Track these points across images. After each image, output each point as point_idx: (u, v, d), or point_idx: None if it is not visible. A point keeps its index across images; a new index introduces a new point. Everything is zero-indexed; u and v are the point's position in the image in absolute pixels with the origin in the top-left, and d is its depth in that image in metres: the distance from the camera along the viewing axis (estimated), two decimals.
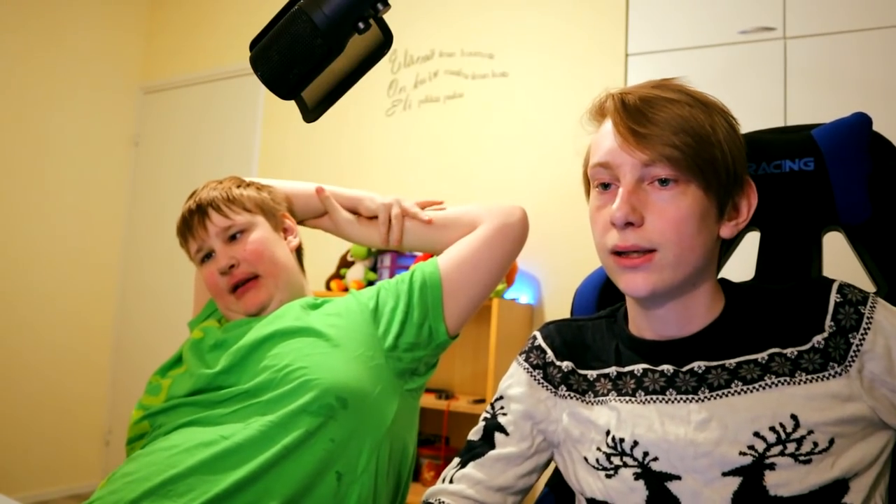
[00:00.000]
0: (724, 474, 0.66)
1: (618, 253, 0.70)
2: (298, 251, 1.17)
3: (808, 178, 0.84)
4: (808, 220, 0.85)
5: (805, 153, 0.84)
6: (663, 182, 0.68)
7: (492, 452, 0.81)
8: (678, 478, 0.68)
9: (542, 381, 0.83)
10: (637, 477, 0.70)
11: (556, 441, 0.82)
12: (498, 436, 0.82)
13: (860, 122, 0.84)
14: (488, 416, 0.85)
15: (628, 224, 0.68)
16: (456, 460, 0.84)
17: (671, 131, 0.68)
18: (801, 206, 0.84)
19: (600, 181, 0.72)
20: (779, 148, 0.86)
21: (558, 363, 0.83)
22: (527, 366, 0.85)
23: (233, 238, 1.06)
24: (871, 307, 0.68)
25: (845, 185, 0.82)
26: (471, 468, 0.80)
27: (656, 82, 0.74)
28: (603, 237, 0.72)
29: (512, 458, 0.81)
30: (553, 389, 0.82)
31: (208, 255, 1.07)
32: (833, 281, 0.72)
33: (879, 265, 0.82)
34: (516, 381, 0.85)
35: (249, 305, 1.04)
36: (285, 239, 1.12)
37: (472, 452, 0.82)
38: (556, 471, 0.89)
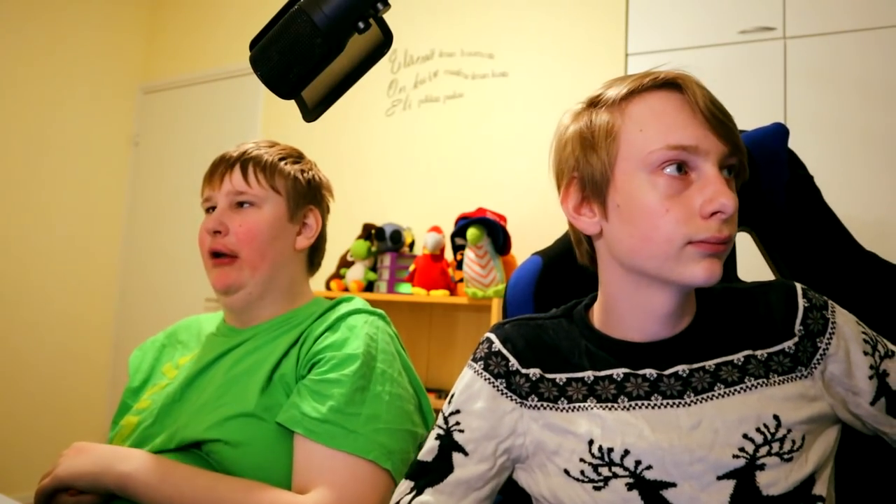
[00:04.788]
0: (719, 478, 0.66)
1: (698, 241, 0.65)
2: (312, 252, 1.08)
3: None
4: None
5: None
6: (730, 172, 0.69)
7: (450, 477, 0.73)
8: (673, 485, 0.67)
9: (505, 391, 0.75)
10: (630, 487, 0.68)
11: (524, 455, 0.75)
12: (456, 456, 0.74)
13: (782, 132, 0.90)
14: (441, 433, 0.76)
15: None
16: (407, 484, 0.75)
17: (734, 128, 0.68)
18: None
19: (673, 171, 0.66)
20: None
21: (524, 371, 0.76)
22: (487, 375, 0.76)
23: (240, 205, 1.00)
24: (832, 312, 0.72)
25: (772, 191, 0.88)
26: (428, 496, 0.72)
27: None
28: (684, 228, 0.65)
29: (472, 482, 0.73)
30: (519, 400, 0.75)
31: (213, 209, 1.02)
32: (794, 284, 0.74)
33: (789, 263, 0.88)
34: (476, 394, 0.76)
35: (216, 281, 0.99)
36: (298, 234, 1.04)
37: (427, 477, 0.74)
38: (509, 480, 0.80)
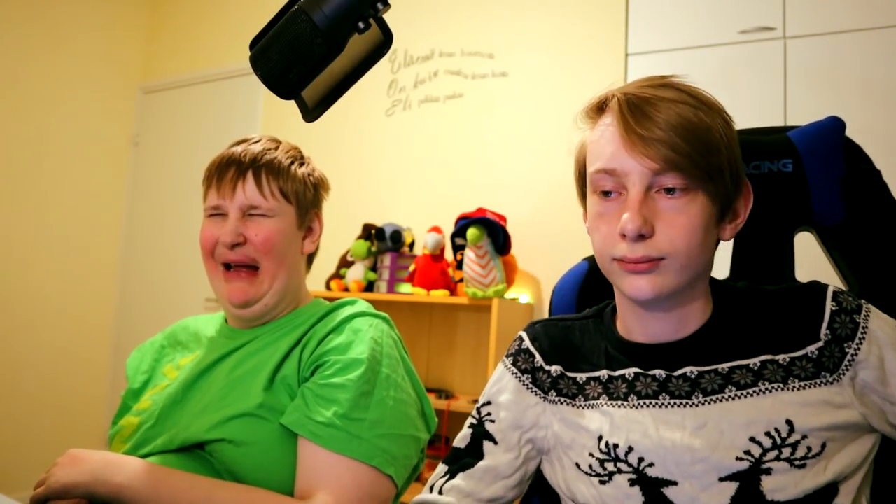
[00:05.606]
0: (721, 479, 0.66)
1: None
2: (310, 255, 1.09)
3: (786, 179, 0.85)
4: (783, 220, 0.86)
5: (783, 155, 0.86)
6: (671, 191, 0.67)
7: (481, 463, 0.78)
8: (674, 483, 0.67)
9: (530, 386, 0.81)
10: (632, 483, 0.69)
11: (546, 448, 0.80)
12: (486, 444, 0.80)
13: (836, 126, 0.86)
14: (475, 422, 0.82)
15: (640, 236, 0.66)
16: (442, 468, 0.81)
17: (680, 137, 0.66)
18: (778, 206, 0.86)
19: (603, 189, 0.70)
20: (757, 149, 0.87)
21: (547, 367, 0.81)
22: (515, 370, 0.83)
23: (251, 215, 0.98)
24: (865, 316, 0.69)
25: (822, 187, 0.84)
26: (460, 479, 0.78)
27: (658, 80, 0.72)
28: (607, 246, 0.70)
29: (500, 469, 0.78)
30: (542, 395, 0.80)
31: (219, 214, 0.99)
32: (826, 287, 0.71)
33: (851, 265, 0.83)
34: (504, 387, 0.82)
35: (234, 296, 0.97)
36: (304, 239, 1.05)
37: (460, 462, 0.80)
38: (539, 475, 0.85)
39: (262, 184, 0.98)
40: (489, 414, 0.81)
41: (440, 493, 0.78)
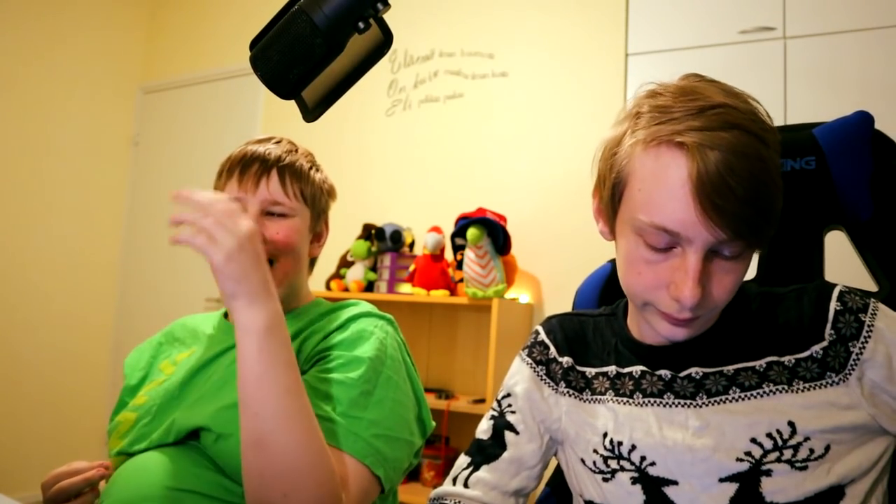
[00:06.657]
0: (721, 480, 0.66)
1: None
2: (312, 259, 1.10)
3: (809, 176, 0.83)
4: (809, 218, 0.84)
5: (806, 152, 0.84)
6: (729, 255, 0.64)
7: (505, 454, 0.79)
8: (675, 483, 0.68)
9: (544, 377, 0.82)
10: (634, 481, 0.70)
11: (560, 438, 0.81)
12: (508, 435, 0.80)
13: (862, 121, 0.83)
14: (496, 413, 0.83)
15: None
16: (465, 460, 0.81)
17: (755, 210, 0.61)
18: (803, 205, 0.84)
19: (655, 245, 0.64)
20: (781, 147, 0.85)
21: (560, 359, 0.82)
22: (530, 361, 0.84)
23: (270, 214, 0.98)
24: (871, 315, 0.67)
25: (847, 184, 0.82)
26: (485, 472, 0.79)
27: (721, 115, 0.63)
28: (647, 292, 0.67)
29: (525, 459, 0.79)
30: (554, 386, 0.81)
31: None
32: (834, 286, 0.70)
33: (881, 264, 0.81)
34: (521, 378, 0.83)
35: None
36: (312, 242, 1.07)
37: (484, 454, 0.80)
38: (557, 470, 0.88)
39: (285, 183, 0.99)
40: (510, 405, 0.82)
41: (465, 485, 0.78)
